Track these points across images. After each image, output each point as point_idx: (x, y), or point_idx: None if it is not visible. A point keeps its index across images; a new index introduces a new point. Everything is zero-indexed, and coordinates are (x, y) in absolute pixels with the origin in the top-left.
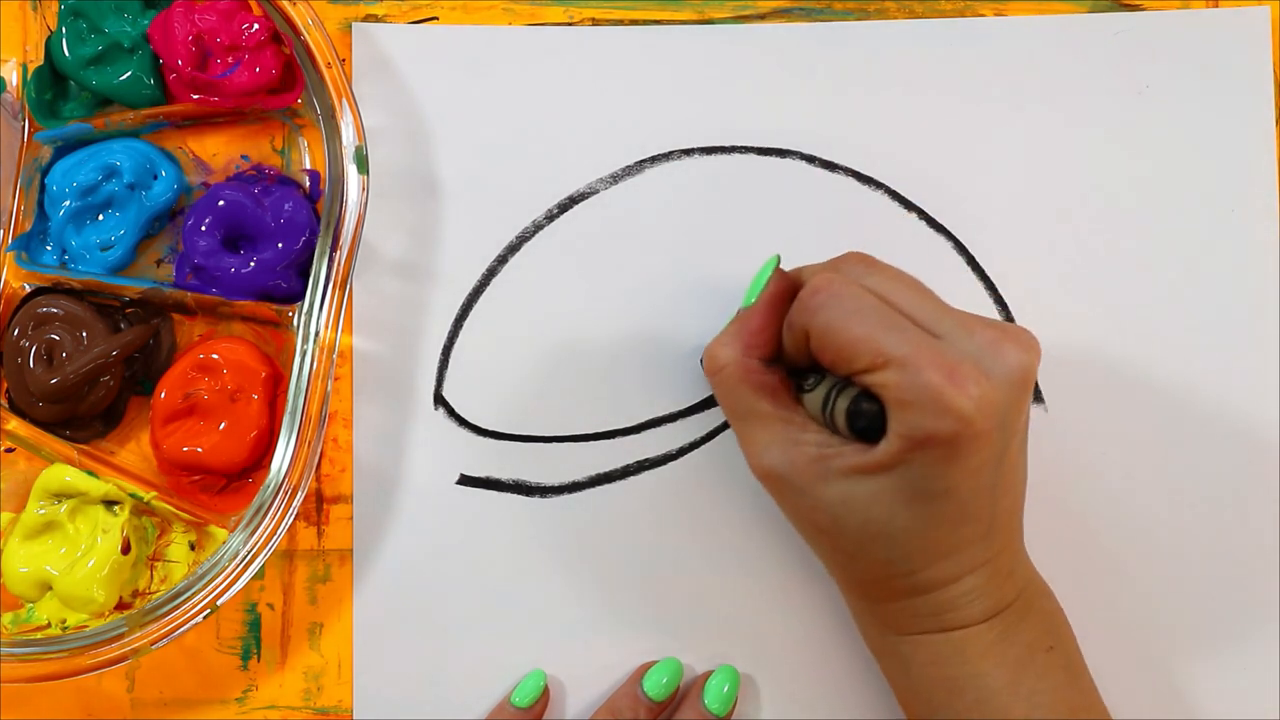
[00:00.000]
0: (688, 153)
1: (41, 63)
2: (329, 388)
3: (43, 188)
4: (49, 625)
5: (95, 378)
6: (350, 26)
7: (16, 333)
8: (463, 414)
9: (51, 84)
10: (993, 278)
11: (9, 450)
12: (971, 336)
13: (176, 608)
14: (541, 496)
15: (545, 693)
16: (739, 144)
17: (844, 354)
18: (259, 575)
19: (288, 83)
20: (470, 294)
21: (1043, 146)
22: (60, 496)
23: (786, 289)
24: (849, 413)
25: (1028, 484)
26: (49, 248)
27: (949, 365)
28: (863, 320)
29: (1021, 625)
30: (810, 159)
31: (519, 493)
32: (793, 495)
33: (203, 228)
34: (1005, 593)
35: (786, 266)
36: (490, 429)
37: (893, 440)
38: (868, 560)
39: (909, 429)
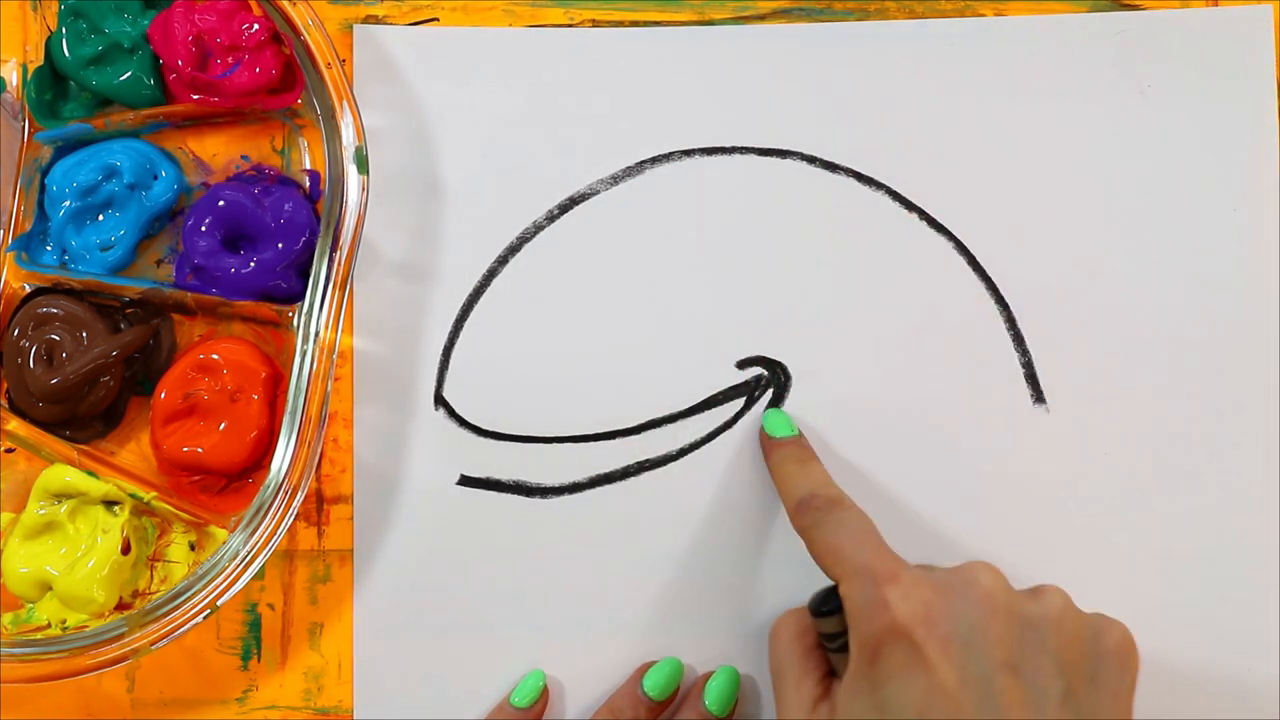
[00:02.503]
0: (688, 153)
1: (41, 63)
2: (329, 388)
3: (43, 188)
4: (49, 625)
5: (95, 378)
6: (351, 27)
7: (16, 333)
8: (463, 414)
9: (51, 84)
10: (993, 278)
11: (9, 450)
12: (937, 566)
13: (176, 608)
14: (541, 497)
15: (545, 693)
16: (739, 144)
17: (822, 564)
18: (259, 575)
19: (288, 83)
20: (471, 294)
21: (1043, 146)
22: (60, 496)
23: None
24: (816, 624)
25: (1027, 485)
26: (49, 248)
27: (891, 571)
28: (838, 533)
29: None
30: (811, 159)
31: (519, 493)
32: None
33: (203, 228)
34: None
35: (789, 269)
36: (490, 429)
37: (851, 652)
38: None
39: (857, 636)
